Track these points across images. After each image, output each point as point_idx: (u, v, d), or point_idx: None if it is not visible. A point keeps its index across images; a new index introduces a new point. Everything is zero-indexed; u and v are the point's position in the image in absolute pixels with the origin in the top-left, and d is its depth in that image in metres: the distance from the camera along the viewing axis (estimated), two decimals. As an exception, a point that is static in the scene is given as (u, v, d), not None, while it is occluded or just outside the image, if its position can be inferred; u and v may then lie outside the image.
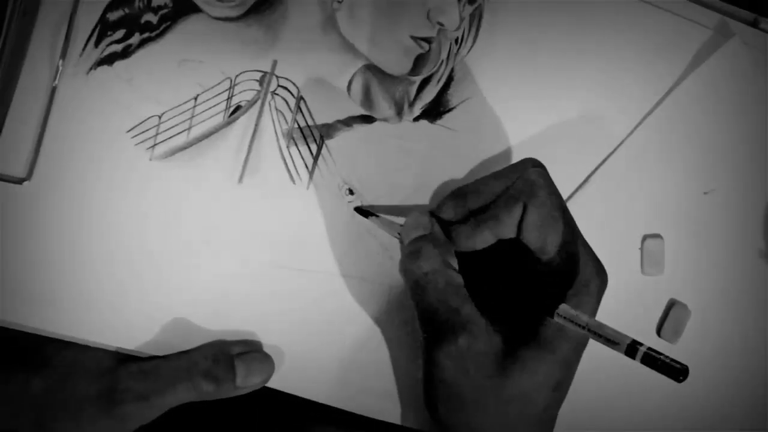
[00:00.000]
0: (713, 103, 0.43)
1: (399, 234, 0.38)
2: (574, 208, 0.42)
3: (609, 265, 0.42)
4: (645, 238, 0.43)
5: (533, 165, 0.37)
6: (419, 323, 0.36)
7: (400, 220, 0.39)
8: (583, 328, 0.32)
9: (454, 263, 0.35)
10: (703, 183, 0.43)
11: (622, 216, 0.43)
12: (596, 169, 0.42)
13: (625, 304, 0.42)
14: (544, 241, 0.34)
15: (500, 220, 0.35)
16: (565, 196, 0.42)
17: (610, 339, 0.31)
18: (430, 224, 0.36)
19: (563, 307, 0.33)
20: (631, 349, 0.30)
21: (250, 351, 0.40)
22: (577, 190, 0.42)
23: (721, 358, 0.43)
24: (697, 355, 0.43)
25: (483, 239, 0.35)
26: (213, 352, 0.39)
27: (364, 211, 0.41)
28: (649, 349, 0.30)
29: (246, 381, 0.39)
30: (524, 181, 0.35)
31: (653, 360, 0.29)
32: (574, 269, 0.34)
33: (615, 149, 0.42)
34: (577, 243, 0.35)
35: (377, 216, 0.40)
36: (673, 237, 0.43)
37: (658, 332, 0.43)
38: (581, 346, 0.35)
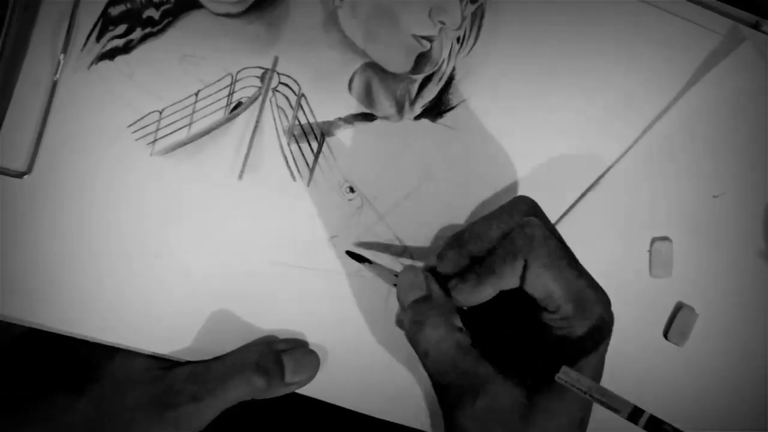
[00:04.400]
0: (724, 106, 0.43)
1: (395, 284, 0.37)
2: (582, 211, 0.42)
3: (617, 266, 0.42)
4: (654, 240, 0.43)
5: (527, 206, 0.36)
6: (434, 389, 0.35)
7: (397, 265, 0.39)
8: (585, 392, 0.32)
9: (458, 322, 0.34)
10: (713, 186, 0.43)
11: (631, 218, 0.43)
12: (606, 171, 0.42)
13: (633, 306, 0.42)
14: (549, 292, 0.34)
15: (501, 276, 0.34)
16: (572, 199, 0.42)
17: (611, 405, 0.31)
18: (426, 283, 0.35)
19: (565, 370, 0.32)
20: (634, 414, 0.31)
21: (295, 347, 0.40)
22: (586, 192, 0.42)
23: (728, 361, 0.43)
24: (703, 358, 0.43)
25: (484, 295, 0.34)
26: (261, 348, 0.40)
27: (357, 256, 0.40)
28: (652, 416, 0.30)
29: (294, 376, 0.39)
30: (522, 235, 0.34)
31: (657, 426, 0.30)
32: (582, 309, 0.34)
33: (625, 152, 0.42)
34: (583, 286, 0.34)
35: (370, 262, 0.39)
36: (682, 240, 0.43)
37: (665, 335, 0.43)
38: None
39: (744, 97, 0.43)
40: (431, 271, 0.36)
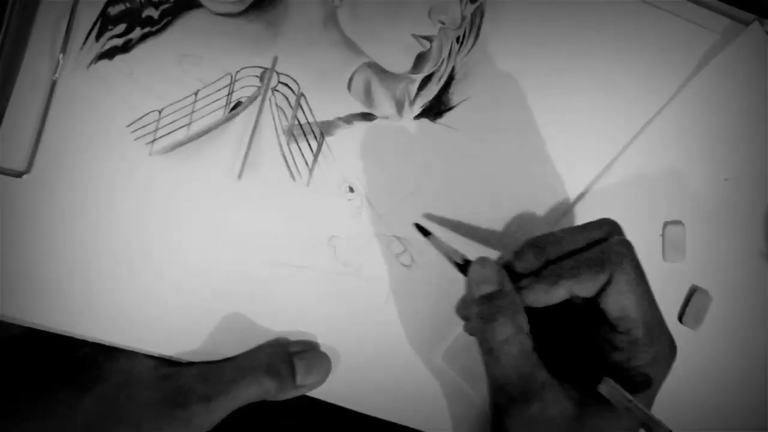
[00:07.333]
0: (733, 89, 0.43)
1: (457, 264, 0.37)
2: (595, 196, 0.42)
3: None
4: (666, 224, 0.43)
5: (612, 227, 0.36)
6: (489, 388, 0.35)
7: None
8: (627, 408, 0.32)
9: (526, 324, 0.34)
10: (724, 169, 0.43)
11: (643, 203, 0.42)
12: (617, 156, 0.42)
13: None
14: (626, 313, 0.34)
15: (582, 282, 0.33)
16: (586, 184, 0.42)
17: (649, 424, 0.32)
18: (501, 279, 0.34)
19: (607, 381, 0.33)
20: None
21: (307, 350, 0.40)
22: (598, 177, 0.42)
23: (743, 345, 0.43)
24: (718, 342, 0.43)
25: (556, 297, 0.34)
26: (272, 350, 0.40)
27: (423, 229, 0.39)
28: None
29: (305, 379, 0.39)
30: (612, 250, 0.34)
31: None
32: (651, 338, 0.34)
33: (635, 136, 0.42)
34: (656, 316, 0.34)
35: (435, 237, 0.38)
36: (695, 223, 0.43)
37: (680, 319, 0.43)
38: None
39: (753, 82, 0.43)
40: (504, 267, 0.36)
